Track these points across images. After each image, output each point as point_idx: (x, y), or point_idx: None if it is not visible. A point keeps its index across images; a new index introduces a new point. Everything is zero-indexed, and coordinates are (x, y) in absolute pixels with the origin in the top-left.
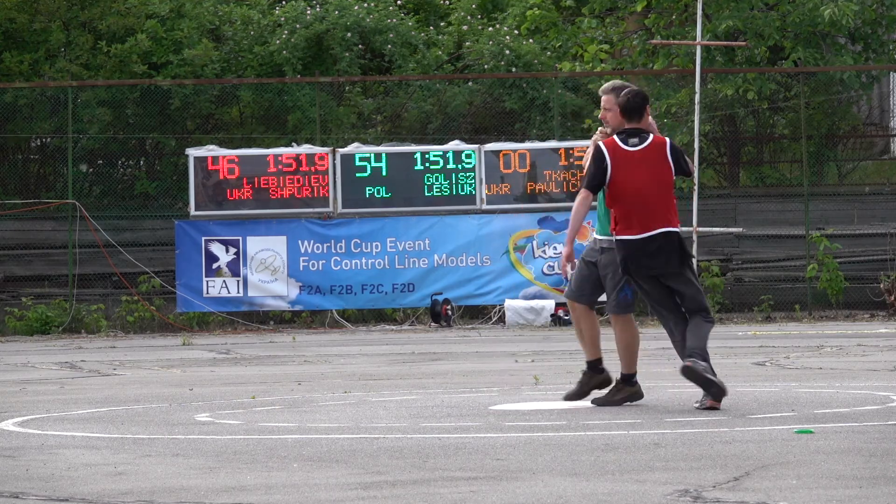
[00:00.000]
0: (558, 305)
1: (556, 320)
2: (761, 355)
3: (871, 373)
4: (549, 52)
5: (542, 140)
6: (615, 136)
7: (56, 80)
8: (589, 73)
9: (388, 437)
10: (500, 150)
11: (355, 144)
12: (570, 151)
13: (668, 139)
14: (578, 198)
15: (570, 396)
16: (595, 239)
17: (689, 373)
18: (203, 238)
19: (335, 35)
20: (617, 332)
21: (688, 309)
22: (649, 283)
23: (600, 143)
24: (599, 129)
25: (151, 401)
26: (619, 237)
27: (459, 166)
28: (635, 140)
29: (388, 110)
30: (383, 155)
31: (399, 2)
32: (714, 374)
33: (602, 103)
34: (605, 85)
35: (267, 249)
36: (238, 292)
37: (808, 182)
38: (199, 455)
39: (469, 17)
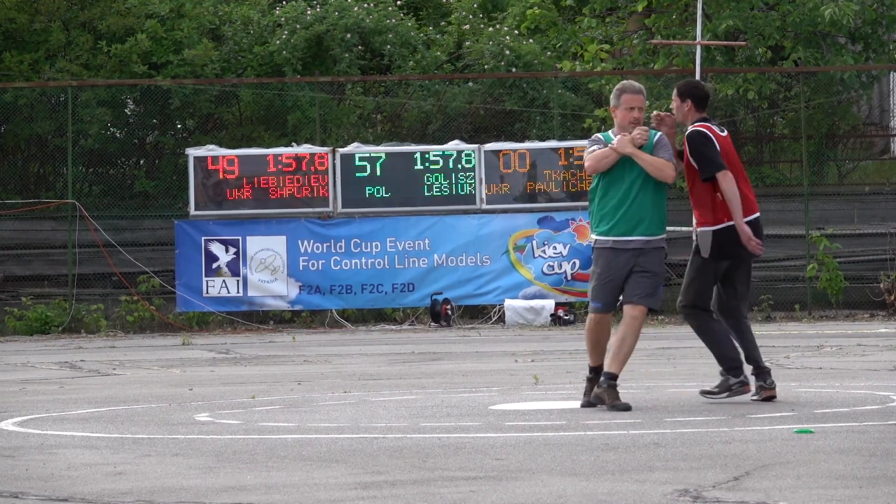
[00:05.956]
0: (558, 305)
1: (556, 320)
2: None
3: (871, 373)
4: (549, 52)
5: (542, 140)
6: (707, 124)
7: (56, 80)
8: (589, 72)
9: (387, 437)
10: (500, 150)
11: (355, 144)
12: (570, 151)
13: None
14: (727, 178)
15: (625, 407)
16: (615, 241)
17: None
18: (203, 238)
19: (335, 36)
20: (636, 328)
21: (740, 296)
22: (722, 270)
23: (700, 129)
24: (639, 129)
25: (151, 401)
26: (728, 223)
27: (459, 166)
28: (716, 128)
29: (388, 110)
30: (383, 155)
31: (399, 2)
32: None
33: (637, 103)
34: (633, 85)
35: (267, 249)
36: (238, 292)
37: (808, 182)
38: (199, 455)
39: (470, 17)
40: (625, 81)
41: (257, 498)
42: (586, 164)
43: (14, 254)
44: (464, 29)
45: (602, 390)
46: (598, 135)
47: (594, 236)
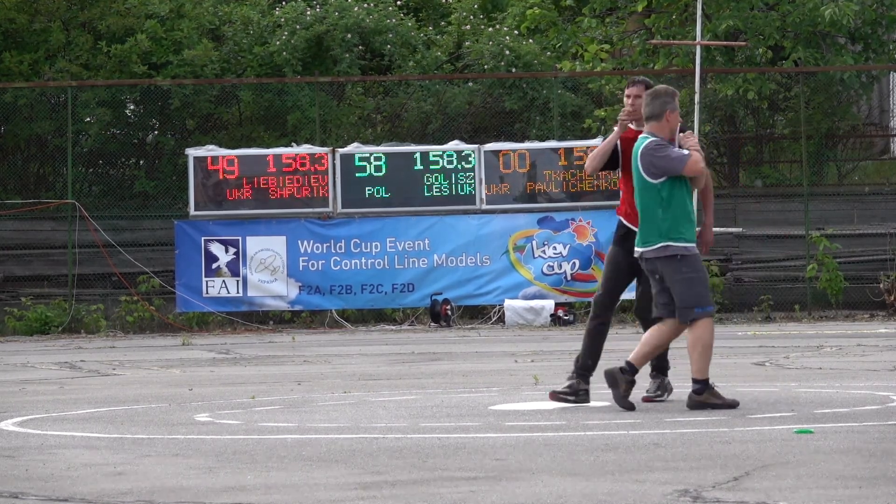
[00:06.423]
0: (558, 305)
1: (556, 320)
2: (761, 355)
3: (871, 373)
4: (548, 52)
5: (542, 140)
6: None
7: (56, 80)
8: (589, 73)
9: (387, 437)
10: (500, 150)
11: (355, 144)
12: (570, 151)
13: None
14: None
15: (630, 407)
16: (686, 249)
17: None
18: (203, 238)
19: (335, 36)
20: (669, 336)
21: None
22: None
23: None
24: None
25: (151, 401)
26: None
27: (459, 166)
28: None
29: (387, 110)
30: (383, 155)
31: (399, 2)
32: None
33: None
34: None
35: (266, 249)
36: (238, 292)
37: (807, 182)
38: (199, 455)
39: (470, 17)
40: (665, 85)
41: (257, 498)
42: (696, 167)
43: (14, 254)
44: (464, 29)
45: (623, 378)
46: (655, 138)
47: (682, 244)
